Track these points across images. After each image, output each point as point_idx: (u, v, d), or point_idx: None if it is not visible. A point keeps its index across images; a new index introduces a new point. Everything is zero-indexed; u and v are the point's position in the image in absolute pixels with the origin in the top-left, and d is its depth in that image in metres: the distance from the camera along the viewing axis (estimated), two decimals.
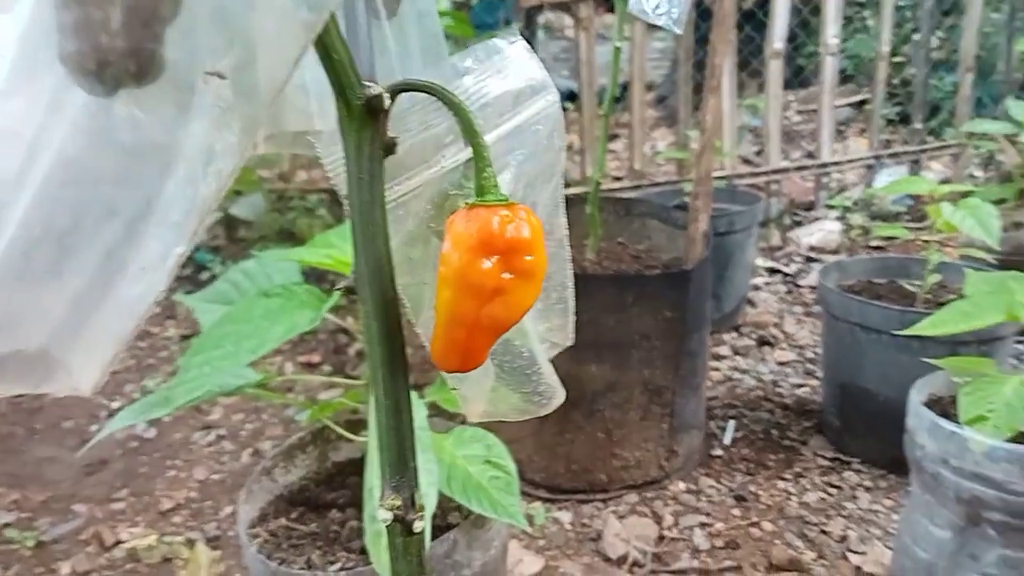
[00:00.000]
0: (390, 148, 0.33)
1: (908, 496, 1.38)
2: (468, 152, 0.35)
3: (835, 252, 3.00)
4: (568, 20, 4.55)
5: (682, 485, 1.77)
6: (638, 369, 1.65)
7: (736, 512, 1.68)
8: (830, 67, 2.98)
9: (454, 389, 0.43)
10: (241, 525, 1.10)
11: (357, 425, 1.26)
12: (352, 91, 0.32)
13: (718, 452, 1.89)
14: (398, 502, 0.34)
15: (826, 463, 1.85)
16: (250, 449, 2.00)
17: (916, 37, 3.63)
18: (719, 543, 1.59)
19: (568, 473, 1.73)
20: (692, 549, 1.58)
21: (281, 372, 2.29)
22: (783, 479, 1.79)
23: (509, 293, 0.32)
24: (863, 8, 3.96)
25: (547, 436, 1.70)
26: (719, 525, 1.64)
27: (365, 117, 0.32)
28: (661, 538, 1.61)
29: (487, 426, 1.18)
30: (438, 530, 1.06)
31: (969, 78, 3.05)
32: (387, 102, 0.32)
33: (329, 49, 0.31)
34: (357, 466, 1.24)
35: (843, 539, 1.59)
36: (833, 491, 1.75)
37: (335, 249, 1.10)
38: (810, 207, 3.25)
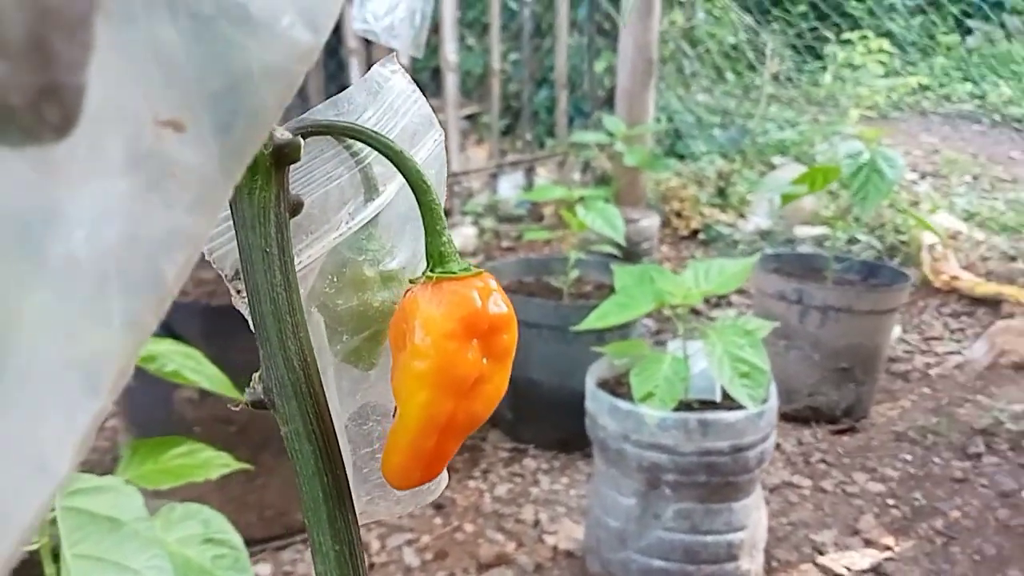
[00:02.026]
0: (296, 209, 0.25)
1: (593, 474, 1.53)
2: (373, 208, 0.29)
3: (474, 255, 3.20)
4: None
5: None
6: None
7: (438, 521, 1.70)
8: (451, 82, 3.16)
9: None
10: None
11: None
12: None
13: None
14: None
15: (506, 455, 1.97)
16: None
17: (513, 56, 4.05)
18: (429, 556, 1.60)
19: (261, 521, 1.58)
20: (404, 569, 1.56)
21: None
22: (473, 478, 1.86)
23: (488, 382, 0.26)
24: (469, 28, 4.29)
25: (235, 487, 1.54)
26: (425, 538, 1.65)
27: (270, 171, 0.24)
28: (372, 566, 1.56)
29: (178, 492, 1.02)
30: None
31: (564, 94, 3.49)
32: (301, 150, 0.24)
33: None
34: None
35: (536, 524, 1.70)
36: (518, 480, 1.87)
37: None
38: (447, 214, 3.42)
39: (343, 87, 0.30)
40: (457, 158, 3.26)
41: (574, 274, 2.08)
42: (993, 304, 2.69)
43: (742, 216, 3.47)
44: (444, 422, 0.26)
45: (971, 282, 2.77)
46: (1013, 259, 2.93)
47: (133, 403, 1.57)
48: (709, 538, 1.37)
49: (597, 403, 1.44)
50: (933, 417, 2.13)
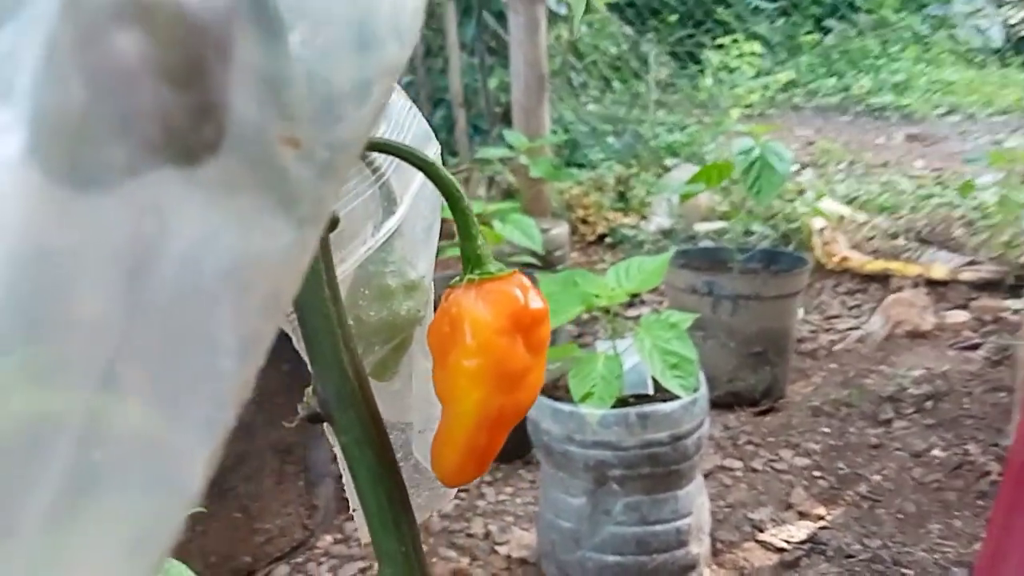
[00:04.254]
0: (333, 225, 0.26)
1: (540, 479, 1.56)
2: (395, 220, 0.30)
3: None
4: None
5: (329, 538, 1.70)
6: (265, 432, 1.54)
7: None
8: None
9: (355, 510, 0.35)
10: None
11: None
12: None
13: None
14: None
15: None
16: None
17: (407, 79, 4.06)
18: None
19: (206, 569, 1.52)
20: None
21: None
22: None
23: (532, 372, 0.28)
24: None
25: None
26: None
27: None
28: None
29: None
30: None
31: (462, 113, 3.53)
32: None
33: None
34: None
35: (487, 536, 1.71)
36: (463, 495, 1.87)
37: None
38: None
39: None
40: None
41: None
42: (882, 279, 2.89)
43: (644, 218, 3.59)
44: (496, 416, 0.28)
45: (860, 261, 2.96)
46: (895, 236, 3.16)
47: None
48: (659, 527, 1.42)
49: (538, 409, 1.47)
50: (844, 390, 2.26)
